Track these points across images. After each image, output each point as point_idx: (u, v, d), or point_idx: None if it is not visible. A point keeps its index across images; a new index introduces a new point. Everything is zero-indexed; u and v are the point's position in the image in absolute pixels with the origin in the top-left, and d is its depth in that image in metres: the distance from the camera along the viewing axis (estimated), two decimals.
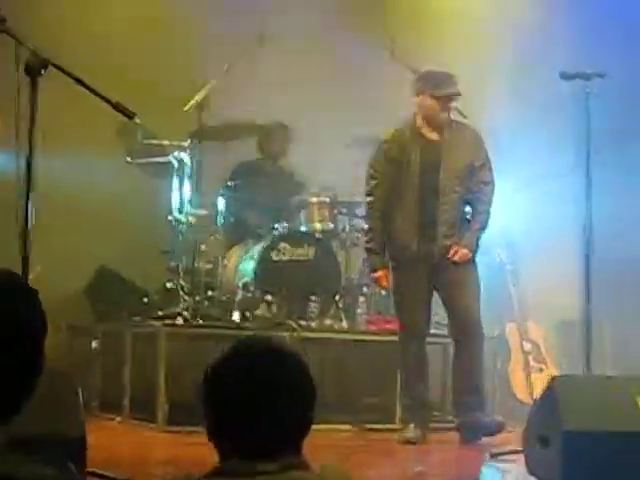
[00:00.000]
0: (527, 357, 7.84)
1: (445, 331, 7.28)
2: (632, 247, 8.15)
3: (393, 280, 6.07)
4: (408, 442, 5.75)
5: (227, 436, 2.06)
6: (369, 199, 6.12)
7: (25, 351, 1.88)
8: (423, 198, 5.90)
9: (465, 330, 5.86)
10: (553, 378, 3.52)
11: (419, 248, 5.89)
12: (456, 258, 5.82)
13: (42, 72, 3.95)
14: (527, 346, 7.88)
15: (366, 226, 6.34)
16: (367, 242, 6.22)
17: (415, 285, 5.93)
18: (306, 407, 2.10)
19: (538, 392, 5.08)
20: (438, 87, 5.87)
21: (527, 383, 7.63)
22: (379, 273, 6.07)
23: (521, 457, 3.91)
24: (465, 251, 5.87)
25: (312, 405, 2.12)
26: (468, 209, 6.07)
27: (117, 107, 4.11)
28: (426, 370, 6.08)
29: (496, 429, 5.67)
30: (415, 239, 5.90)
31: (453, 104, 5.97)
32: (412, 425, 5.87)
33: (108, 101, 4.12)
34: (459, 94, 5.94)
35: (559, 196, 7.66)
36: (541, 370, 7.57)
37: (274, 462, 2.01)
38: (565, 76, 5.29)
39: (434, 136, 6.00)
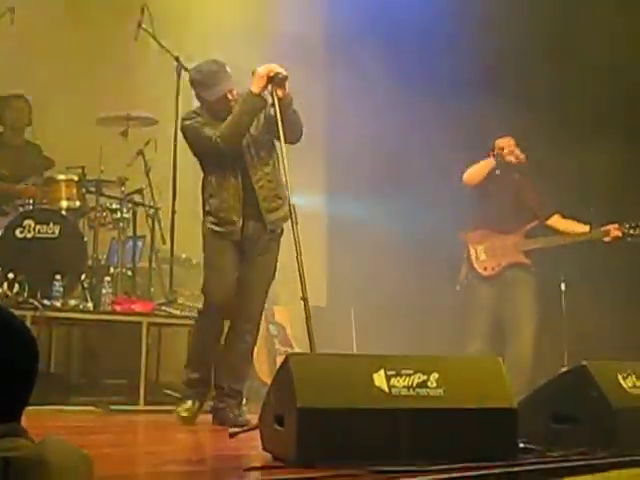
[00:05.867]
0: (273, 340, 7.97)
1: (191, 312, 7.33)
2: (369, 239, 8.51)
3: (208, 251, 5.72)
4: (184, 417, 5.67)
5: None
6: None
7: None
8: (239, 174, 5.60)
9: None
10: (288, 356, 3.54)
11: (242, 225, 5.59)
12: None
13: None
14: (273, 329, 8.01)
15: None
16: None
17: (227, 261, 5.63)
18: (22, 380, 2.08)
19: None
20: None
21: (272, 366, 7.75)
22: None
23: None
24: None
25: (28, 379, 2.10)
26: None
27: None
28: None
29: (241, 425, 5.57)
30: (238, 216, 5.58)
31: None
32: (190, 401, 5.74)
33: None
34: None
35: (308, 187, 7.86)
36: (286, 352, 7.69)
37: None
38: None
39: None
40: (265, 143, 5.67)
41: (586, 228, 7.20)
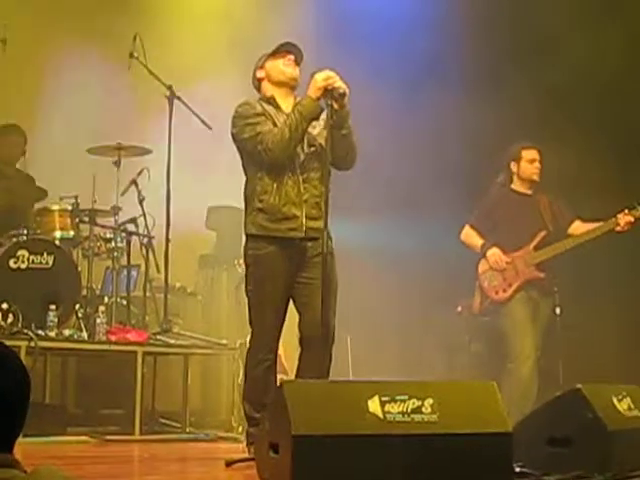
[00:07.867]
0: None
1: (186, 341, 7.32)
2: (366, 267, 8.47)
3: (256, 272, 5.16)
4: None
5: None
6: None
7: None
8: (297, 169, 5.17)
9: None
10: (282, 384, 3.54)
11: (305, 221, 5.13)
12: None
13: None
14: None
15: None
16: None
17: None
18: (14, 411, 2.09)
19: None
20: (272, 49, 5.29)
21: None
22: None
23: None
24: None
25: (20, 409, 2.11)
26: None
27: None
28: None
29: None
30: (300, 211, 5.11)
31: (292, 58, 5.24)
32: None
33: None
34: (294, 45, 5.27)
35: None
36: (281, 379, 7.65)
37: None
38: None
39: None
40: (320, 148, 5.19)
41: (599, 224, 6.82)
